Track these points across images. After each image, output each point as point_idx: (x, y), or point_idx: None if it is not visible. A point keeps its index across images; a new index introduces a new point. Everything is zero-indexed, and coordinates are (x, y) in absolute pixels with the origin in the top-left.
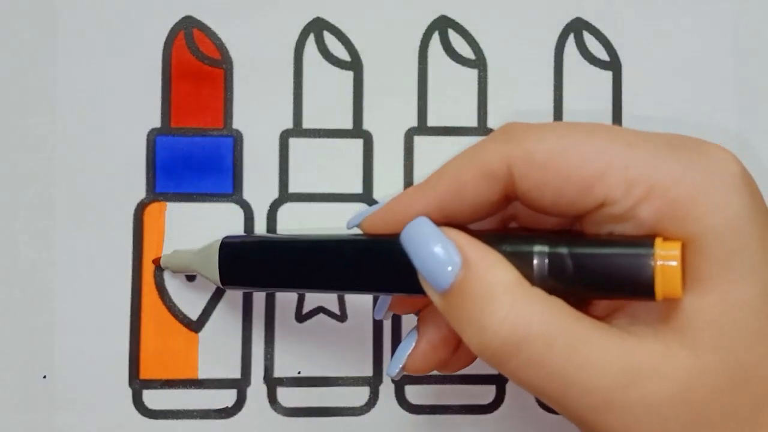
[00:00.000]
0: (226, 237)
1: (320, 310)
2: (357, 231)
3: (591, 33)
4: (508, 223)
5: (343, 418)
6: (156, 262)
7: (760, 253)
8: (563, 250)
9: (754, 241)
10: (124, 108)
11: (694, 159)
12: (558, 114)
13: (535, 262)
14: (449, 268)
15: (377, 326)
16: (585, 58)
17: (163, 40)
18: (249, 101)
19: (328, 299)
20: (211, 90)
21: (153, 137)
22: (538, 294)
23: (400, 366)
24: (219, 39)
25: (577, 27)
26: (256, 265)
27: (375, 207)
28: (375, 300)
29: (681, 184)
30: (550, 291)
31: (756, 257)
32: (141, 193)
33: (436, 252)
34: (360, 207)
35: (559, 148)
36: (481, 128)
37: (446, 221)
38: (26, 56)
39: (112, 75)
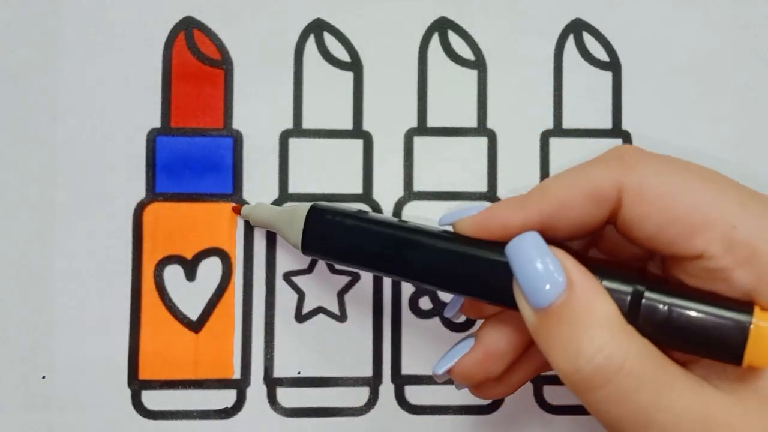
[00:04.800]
0: (316, 202)
1: (320, 310)
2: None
3: (591, 33)
4: (589, 247)
5: (343, 419)
6: (236, 210)
7: None
8: (662, 297)
9: None
10: (124, 108)
11: None
12: (558, 114)
13: (630, 301)
14: (552, 288)
15: (377, 326)
16: (585, 59)
17: (164, 40)
18: (249, 101)
19: (328, 300)
20: (211, 90)
21: (153, 137)
22: (634, 332)
23: (449, 365)
24: (219, 39)
25: (577, 27)
26: (342, 238)
27: (471, 209)
28: (376, 298)
29: None
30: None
31: None
32: (141, 193)
33: (542, 269)
34: (456, 205)
35: (673, 185)
36: (481, 128)
37: (543, 236)
38: (27, 56)
39: (112, 75)
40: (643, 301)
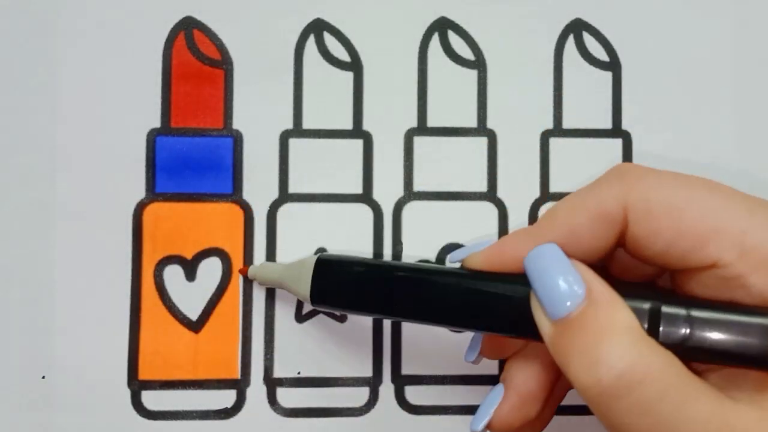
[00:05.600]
0: (322, 254)
1: (320, 310)
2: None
3: (591, 33)
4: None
5: (343, 419)
6: (243, 271)
7: None
8: (681, 310)
9: None
10: (124, 108)
11: None
12: (558, 114)
13: (649, 316)
14: (570, 297)
15: (377, 326)
16: (585, 59)
17: (164, 40)
18: (249, 101)
19: None
20: (211, 90)
21: (153, 137)
22: (656, 343)
23: (487, 420)
24: (219, 39)
25: (577, 27)
26: (351, 287)
27: (480, 245)
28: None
29: None
30: None
31: None
32: (140, 193)
33: (561, 279)
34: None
35: (678, 197)
36: (481, 128)
37: None
38: (27, 56)
39: (112, 75)
40: (663, 315)
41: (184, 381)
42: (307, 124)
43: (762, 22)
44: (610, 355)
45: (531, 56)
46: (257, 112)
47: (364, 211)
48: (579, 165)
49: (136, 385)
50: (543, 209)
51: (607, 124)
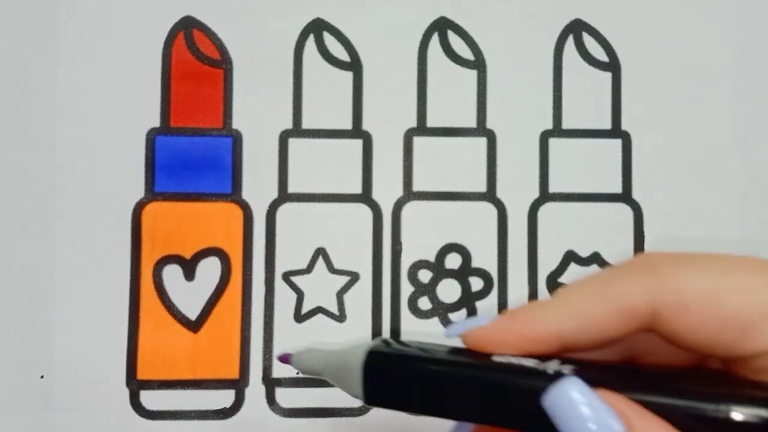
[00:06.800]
0: (372, 348)
1: (319, 310)
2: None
3: (590, 34)
4: (624, 351)
5: (342, 419)
6: (285, 359)
7: None
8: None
9: None
10: (124, 108)
11: None
12: (557, 114)
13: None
14: None
15: (376, 326)
16: (584, 59)
17: (163, 40)
18: (249, 101)
19: (327, 299)
20: (211, 90)
21: (152, 137)
22: None
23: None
24: (219, 39)
25: (576, 28)
26: (407, 386)
27: (481, 320)
28: (375, 298)
29: None
30: None
31: None
32: (140, 193)
33: (594, 425)
34: (460, 316)
35: (717, 289)
36: (481, 129)
37: (563, 349)
38: (27, 56)
39: (112, 75)
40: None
41: (182, 381)
42: (306, 124)
43: (762, 22)
44: None
45: (531, 56)
46: (257, 112)
47: (364, 211)
48: (578, 165)
49: (135, 384)
50: (542, 209)
51: (606, 124)
